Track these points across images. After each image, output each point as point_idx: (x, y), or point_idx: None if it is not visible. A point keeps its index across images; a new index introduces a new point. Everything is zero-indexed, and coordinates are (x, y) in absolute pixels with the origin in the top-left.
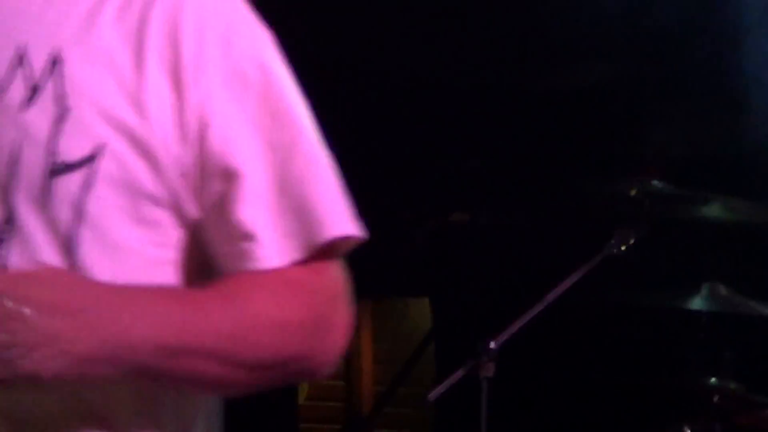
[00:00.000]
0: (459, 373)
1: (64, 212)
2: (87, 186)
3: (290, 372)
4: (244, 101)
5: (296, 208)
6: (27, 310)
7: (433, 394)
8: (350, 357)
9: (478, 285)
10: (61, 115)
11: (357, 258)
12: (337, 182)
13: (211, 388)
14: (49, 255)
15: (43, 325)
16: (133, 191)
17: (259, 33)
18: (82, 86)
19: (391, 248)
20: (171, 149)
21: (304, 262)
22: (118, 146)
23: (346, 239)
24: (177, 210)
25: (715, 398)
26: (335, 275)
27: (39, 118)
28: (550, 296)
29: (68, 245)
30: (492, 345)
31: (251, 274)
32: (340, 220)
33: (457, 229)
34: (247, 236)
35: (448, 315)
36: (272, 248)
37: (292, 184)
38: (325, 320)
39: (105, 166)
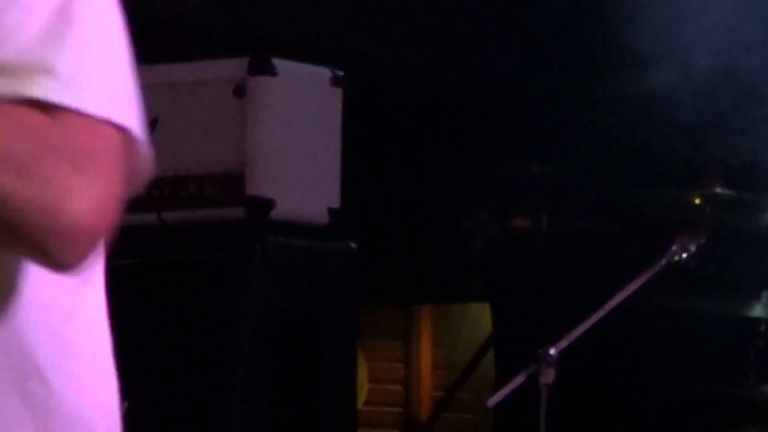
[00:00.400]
0: (519, 379)
1: None
2: None
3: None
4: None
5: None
6: None
7: (492, 400)
8: (409, 362)
9: (539, 291)
10: None
11: (417, 263)
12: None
13: None
14: None
15: None
16: None
17: None
18: None
19: (452, 253)
20: None
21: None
22: None
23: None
24: None
25: None
26: (100, 142)
27: None
28: (611, 303)
29: None
30: (552, 351)
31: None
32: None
33: (519, 235)
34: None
35: (508, 320)
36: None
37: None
38: (50, 171)
39: None
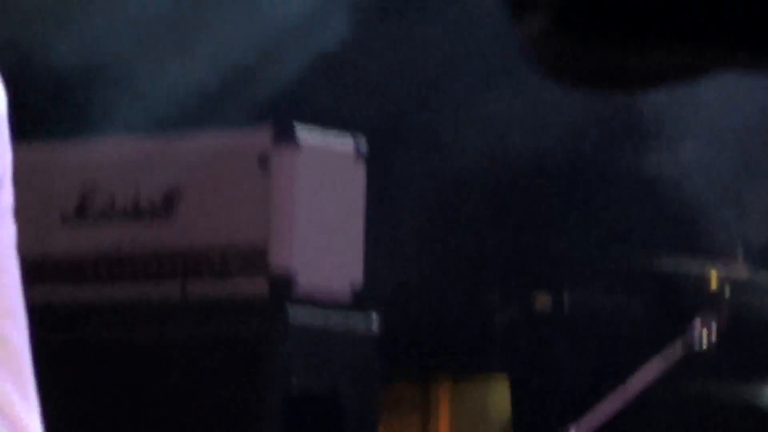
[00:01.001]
0: None
1: None
2: None
3: None
4: None
5: None
6: None
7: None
8: None
9: (559, 368)
10: None
11: (436, 336)
12: None
13: None
14: None
15: None
16: None
17: None
18: None
19: (472, 329)
20: None
21: None
22: None
23: None
24: None
25: None
26: None
27: None
28: (631, 384)
29: None
30: (572, 430)
31: None
32: None
33: (540, 313)
34: None
35: (528, 397)
36: None
37: None
38: None
39: None
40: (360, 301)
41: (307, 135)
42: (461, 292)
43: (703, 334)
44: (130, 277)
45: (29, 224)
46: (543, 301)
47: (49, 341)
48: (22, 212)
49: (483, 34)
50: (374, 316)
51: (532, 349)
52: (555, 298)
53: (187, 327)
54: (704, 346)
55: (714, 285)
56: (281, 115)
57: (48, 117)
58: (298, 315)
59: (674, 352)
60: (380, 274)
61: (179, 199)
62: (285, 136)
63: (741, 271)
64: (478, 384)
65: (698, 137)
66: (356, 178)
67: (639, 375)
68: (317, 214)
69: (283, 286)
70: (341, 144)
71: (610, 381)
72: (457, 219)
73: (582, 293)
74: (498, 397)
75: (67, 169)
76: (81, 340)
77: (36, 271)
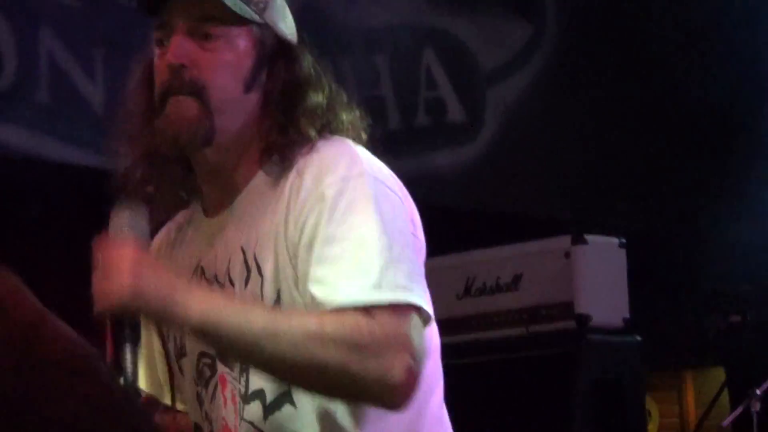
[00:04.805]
0: (738, 410)
1: None
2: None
3: (340, 383)
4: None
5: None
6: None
7: (725, 422)
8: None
9: (752, 355)
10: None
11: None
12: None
13: (285, 375)
14: None
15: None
16: None
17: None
18: None
19: (699, 337)
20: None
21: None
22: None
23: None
24: None
25: None
26: (394, 329)
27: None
28: None
29: None
30: (758, 391)
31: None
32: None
33: (737, 324)
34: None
35: (736, 373)
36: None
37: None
38: (370, 350)
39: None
40: (628, 326)
41: (591, 237)
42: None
43: None
44: (497, 325)
45: (438, 301)
46: (736, 318)
47: (457, 366)
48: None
49: None
50: (638, 337)
51: (737, 344)
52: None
53: (530, 351)
54: None
55: None
56: (576, 228)
57: None
58: (593, 338)
59: None
60: (640, 310)
61: (521, 280)
62: (579, 240)
63: None
64: (710, 373)
65: None
66: (621, 260)
67: None
68: (601, 279)
69: (583, 323)
70: (611, 241)
71: None
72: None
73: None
74: (718, 383)
75: (457, 267)
76: (475, 363)
77: (445, 327)
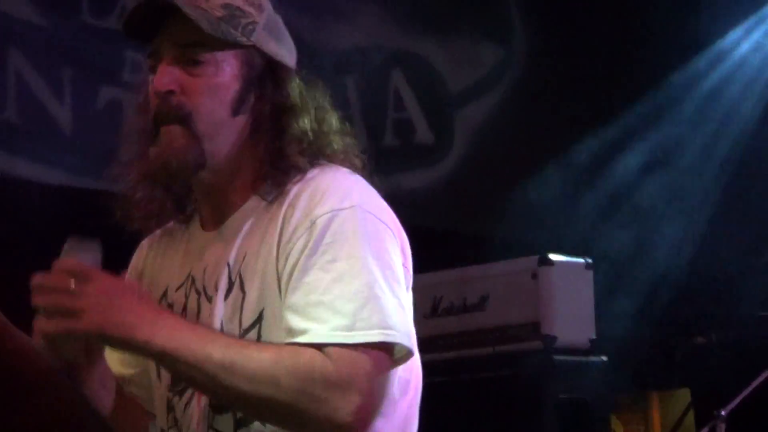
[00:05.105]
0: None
1: None
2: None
3: (289, 419)
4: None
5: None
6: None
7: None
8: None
9: (715, 376)
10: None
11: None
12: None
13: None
14: None
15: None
16: None
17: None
18: None
19: (663, 359)
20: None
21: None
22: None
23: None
24: None
25: None
26: (347, 370)
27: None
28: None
29: None
30: (723, 412)
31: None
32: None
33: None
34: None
35: (700, 395)
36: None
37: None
38: (318, 390)
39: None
40: (594, 346)
41: (557, 258)
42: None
43: None
44: (464, 345)
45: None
46: (702, 340)
47: (424, 386)
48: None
49: None
50: (604, 357)
51: (701, 365)
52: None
53: (496, 370)
54: None
55: None
56: (542, 249)
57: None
58: (559, 359)
59: None
60: (605, 331)
61: (488, 300)
62: (545, 261)
63: None
64: (676, 394)
65: None
66: (587, 280)
67: None
68: (566, 299)
69: (549, 343)
70: (577, 261)
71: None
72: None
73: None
74: (683, 404)
75: (424, 287)
76: (442, 382)
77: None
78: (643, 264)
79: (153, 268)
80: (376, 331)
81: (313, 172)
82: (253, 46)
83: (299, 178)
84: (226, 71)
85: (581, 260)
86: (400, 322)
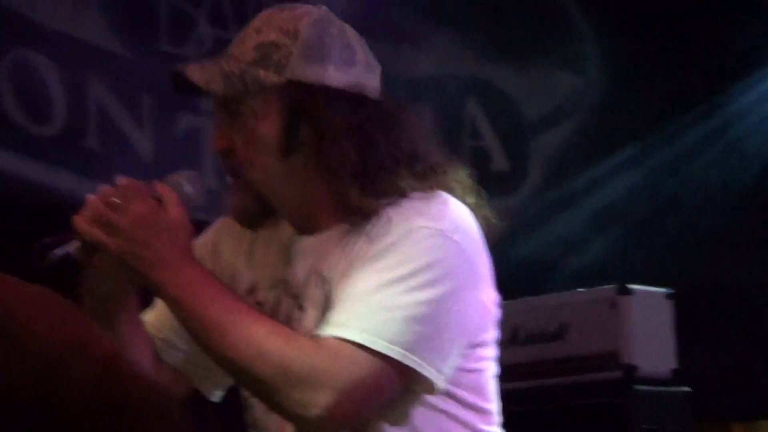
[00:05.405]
0: None
1: None
2: None
3: (269, 398)
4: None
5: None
6: (141, 219)
7: None
8: None
9: None
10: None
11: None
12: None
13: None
14: None
15: (143, 234)
16: None
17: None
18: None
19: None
20: None
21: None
22: None
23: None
24: None
25: None
26: (329, 364)
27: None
28: None
29: None
30: None
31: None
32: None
33: None
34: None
35: None
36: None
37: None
38: (294, 379)
39: None
40: (676, 377)
41: (636, 288)
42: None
43: None
44: (543, 374)
45: None
46: None
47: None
48: None
49: None
50: (686, 387)
51: None
52: None
53: (576, 400)
54: None
55: None
56: (621, 279)
57: None
58: (640, 389)
59: None
60: (687, 362)
61: (567, 329)
62: (624, 290)
63: None
64: (759, 426)
65: None
66: (667, 311)
67: None
68: (648, 330)
69: (630, 373)
70: (657, 291)
71: None
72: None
73: None
74: None
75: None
76: (521, 412)
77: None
78: (724, 292)
79: (234, 254)
80: (396, 348)
81: (413, 195)
82: (290, 80)
83: (397, 199)
84: (263, 118)
85: (661, 290)
86: (430, 354)
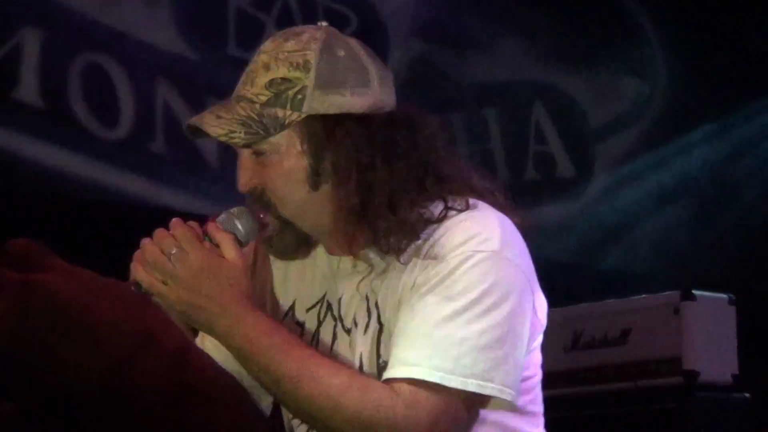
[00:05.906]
0: None
1: None
2: None
3: None
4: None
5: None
6: (197, 267)
7: None
8: None
9: None
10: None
11: None
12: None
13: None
14: None
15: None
16: None
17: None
18: None
19: None
20: None
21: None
22: None
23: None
24: None
25: None
26: (429, 413)
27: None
28: None
29: None
30: None
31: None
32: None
33: None
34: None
35: None
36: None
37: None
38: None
39: None
40: (737, 383)
41: (699, 294)
42: None
43: None
44: (604, 379)
45: (546, 354)
46: None
47: (563, 420)
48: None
49: None
50: (747, 394)
51: None
52: None
53: (637, 405)
54: None
55: None
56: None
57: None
58: (701, 395)
59: None
60: (748, 368)
61: (629, 334)
62: (688, 296)
63: None
64: None
65: None
66: (730, 316)
67: None
68: (711, 335)
69: (691, 379)
70: (721, 297)
71: None
72: None
73: None
74: None
75: (565, 320)
76: (582, 416)
77: (552, 380)
78: None
79: (268, 273)
80: (473, 381)
81: (452, 212)
82: (309, 114)
83: (437, 215)
84: (288, 153)
85: (724, 296)
86: (505, 377)
